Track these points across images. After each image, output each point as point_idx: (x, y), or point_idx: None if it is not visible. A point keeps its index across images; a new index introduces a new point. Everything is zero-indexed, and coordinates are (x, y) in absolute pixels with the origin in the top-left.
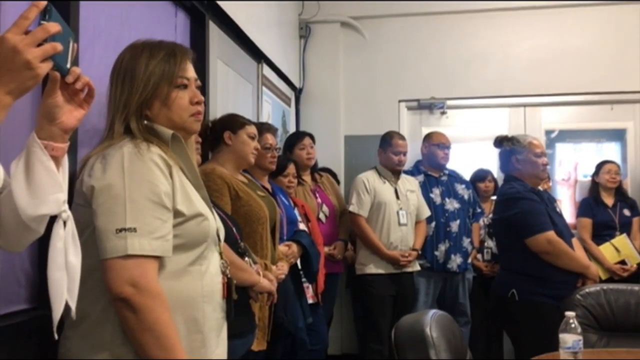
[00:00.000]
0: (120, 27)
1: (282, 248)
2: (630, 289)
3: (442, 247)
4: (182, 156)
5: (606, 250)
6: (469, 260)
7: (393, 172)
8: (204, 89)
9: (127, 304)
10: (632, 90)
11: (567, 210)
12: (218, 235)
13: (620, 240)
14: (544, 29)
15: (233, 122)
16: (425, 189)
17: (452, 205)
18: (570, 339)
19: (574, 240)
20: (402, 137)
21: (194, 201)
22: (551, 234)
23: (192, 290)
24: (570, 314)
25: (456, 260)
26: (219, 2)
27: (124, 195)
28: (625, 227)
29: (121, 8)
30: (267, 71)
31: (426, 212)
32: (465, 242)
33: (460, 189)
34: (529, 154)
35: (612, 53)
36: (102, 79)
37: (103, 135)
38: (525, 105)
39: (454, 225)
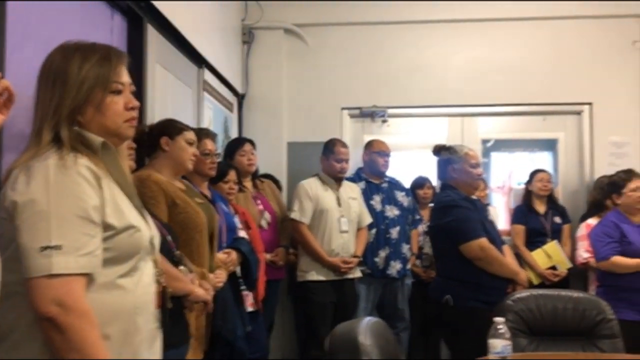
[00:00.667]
0: (52, 28)
1: (220, 256)
2: (558, 294)
3: (382, 254)
4: (113, 165)
5: (538, 256)
6: (408, 266)
7: (335, 179)
8: (141, 93)
9: (53, 324)
10: (563, 102)
11: (502, 217)
12: (153, 244)
13: (551, 246)
14: (481, 42)
15: (171, 128)
16: (366, 195)
17: (392, 212)
18: (499, 344)
19: (505, 247)
20: (345, 145)
21: (126, 213)
22: (484, 240)
23: (123, 302)
24: (499, 319)
25: (395, 267)
26: (157, 6)
27: (48, 211)
28: (556, 234)
29: (54, 9)
30: (208, 76)
31: (367, 219)
32: (405, 248)
33: (400, 196)
34: (464, 164)
35: (546, 67)
36: (32, 83)
37: (29, 142)
38: (463, 115)
39: (394, 232)
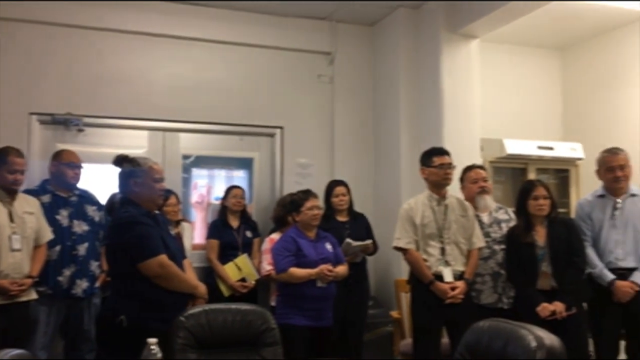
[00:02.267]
0: None
1: None
2: (227, 307)
3: (67, 272)
4: None
5: (230, 269)
6: (97, 284)
7: (8, 192)
8: None
9: None
10: (259, 124)
11: (200, 231)
12: None
13: (242, 259)
14: (185, 59)
15: None
16: (52, 210)
17: (80, 227)
18: None
19: (185, 261)
20: (20, 154)
21: None
22: (163, 257)
23: None
24: (151, 340)
25: (82, 285)
26: None
27: None
28: (247, 247)
29: None
30: None
31: (46, 236)
32: (93, 265)
33: (91, 210)
34: (147, 178)
35: (245, 90)
36: None
37: None
38: (164, 130)
39: (82, 249)
